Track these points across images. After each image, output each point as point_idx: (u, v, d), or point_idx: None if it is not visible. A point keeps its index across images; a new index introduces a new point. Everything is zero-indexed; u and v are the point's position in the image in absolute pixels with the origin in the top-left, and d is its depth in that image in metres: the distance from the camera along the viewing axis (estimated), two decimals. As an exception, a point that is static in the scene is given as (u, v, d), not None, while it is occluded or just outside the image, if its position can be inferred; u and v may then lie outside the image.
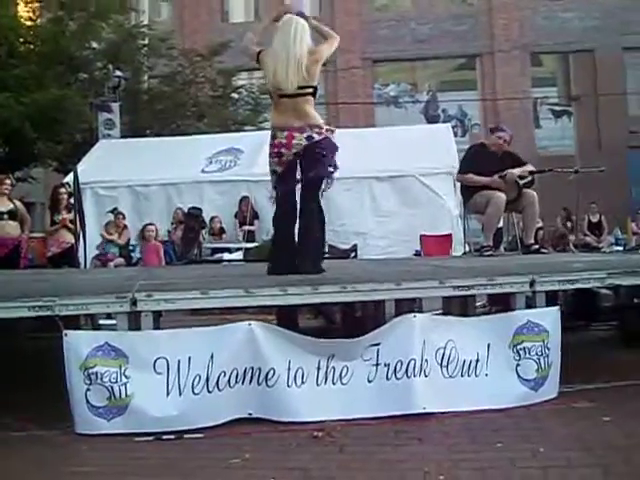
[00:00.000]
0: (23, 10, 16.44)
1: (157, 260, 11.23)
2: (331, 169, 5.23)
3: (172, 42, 18.98)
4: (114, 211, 12.36)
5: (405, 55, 23.84)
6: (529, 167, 7.81)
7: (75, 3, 16.17)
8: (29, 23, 16.34)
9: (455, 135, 14.93)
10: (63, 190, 10.32)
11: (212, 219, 12.71)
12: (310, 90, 5.22)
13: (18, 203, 9.61)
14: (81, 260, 10.46)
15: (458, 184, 8.94)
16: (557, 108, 24.75)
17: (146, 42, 18.21)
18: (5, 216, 9.26)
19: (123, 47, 17.19)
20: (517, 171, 7.62)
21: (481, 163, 7.61)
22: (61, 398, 4.03)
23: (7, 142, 14.97)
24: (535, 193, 7.72)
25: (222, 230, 12.81)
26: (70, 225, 9.92)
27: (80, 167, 12.28)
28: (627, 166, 20.90)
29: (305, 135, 5.15)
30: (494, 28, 23.95)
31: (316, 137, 5.16)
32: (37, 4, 16.39)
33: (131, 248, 12.20)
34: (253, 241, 12.37)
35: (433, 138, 13.53)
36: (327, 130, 5.25)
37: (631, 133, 22.48)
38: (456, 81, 25.10)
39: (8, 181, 9.62)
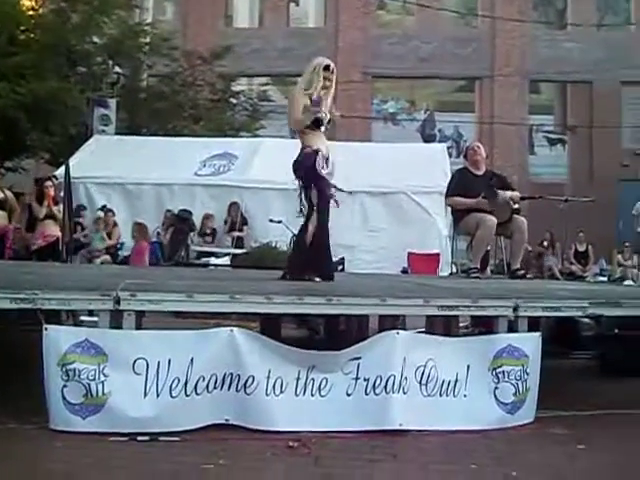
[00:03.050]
0: (26, -1, 16.42)
1: (145, 259, 11.20)
2: (304, 182, 5.76)
3: (174, 42, 18.98)
4: (103, 208, 12.32)
5: (406, 73, 23.90)
6: (517, 193, 7.88)
7: (79, -5, 16.17)
8: (31, 12, 16.29)
9: (450, 156, 14.98)
10: (49, 183, 10.26)
11: (207, 217, 12.64)
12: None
13: (8, 193, 9.57)
14: (68, 254, 10.41)
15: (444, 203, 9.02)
16: (552, 136, 24.90)
17: (148, 40, 18.18)
18: (-6, 205, 9.22)
19: (124, 43, 17.14)
20: (508, 193, 7.67)
21: (467, 186, 7.68)
22: (38, 392, 4.01)
23: (0, 131, 14.92)
24: (525, 220, 7.77)
25: (214, 231, 12.75)
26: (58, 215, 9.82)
27: (72, 161, 12.24)
28: (617, 198, 21.04)
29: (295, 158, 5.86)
30: (496, 53, 24.08)
31: (296, 157, 5.83)
32: (41, -6, 16.37)
33: (118, 246, 12.16)
34: (242, 247, 12.35)
35: (428, 157, 13.58)
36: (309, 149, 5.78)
37: (623, 166, 22.66)
38: (454, 102, 25.22)
39: None
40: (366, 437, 4.08)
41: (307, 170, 5.75)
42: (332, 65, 5.90)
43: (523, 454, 3.97)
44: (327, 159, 5.85)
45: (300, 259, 5.91)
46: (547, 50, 23.72)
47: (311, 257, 5.80)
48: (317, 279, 5.71)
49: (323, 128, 5.86)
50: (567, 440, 4.22)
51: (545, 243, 14.95)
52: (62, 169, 11.64)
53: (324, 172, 5.73)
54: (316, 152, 5.72)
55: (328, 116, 5.85)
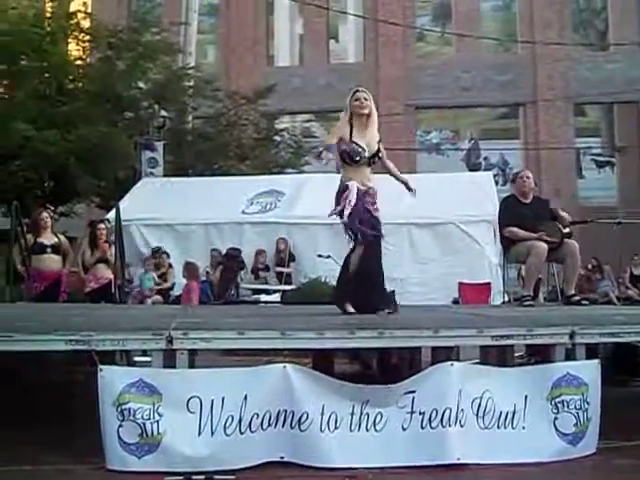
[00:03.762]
0: (74, 49, 16.89)
1: (197, 299, 11.28)
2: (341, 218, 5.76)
3: (217, 84, 19.30)
4: (158, 250, 12.44)
5: (448, 102, 23.92)
6: (565, 215, 7.77)
7: (124, 44, 16.59)
8: (79, 62, 16.78)
9: (496, 184, 14.85)
10: (102, 226, 10.42)
11: (259, 253, 12.70)
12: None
13: (62, 238, 9.74)
14: (119, 296, 10.53)
15: (498, 232, 8.93)
16: (600, 159, 24.56)
17: (192, 83, 18.54)
18: (49, 250, 9.39)
19: (169, 88, 17.51)
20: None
21: (515, 214, 7.63)
22: (93, 432, 4.04)
23: (52, 177, 15.28)
24: (576, 243, 7.65)
25: (267, 267, 12.81)
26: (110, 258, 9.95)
27: (122, 204, 12.45)
28: (671, 219, 20.58)
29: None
30: (538, 78, 23.96)
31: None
32: (88, 43, 16.82)
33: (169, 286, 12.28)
34: (290, 283, 12.38)
35: (474, 186, 13.48)
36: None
37: (675, 185, 22.22)
38: (499, 129, 25.10)
39: (45, 214, 9.76)
40: (423, 472, 4.00)
41: (341, 207, 5.74)
42: (359, 89, 5.91)
43: (587, 486, 3.85)
44: (367, 192, 5.83)
45: (340, 292, 5.91)
46: (590, 72, 23.52)
47: (352, 290, 5.77)
48: (352, 310, 5.67)
49: (371, 161, 5.87)
50: (632, 471, 4.08)
51: (589, 266, 14.67)
52: (113, 212, 11.83)
53: (351, 206, 5.67)
54: (346, 188, 5.72)
55: (367, 150, 5.83)
